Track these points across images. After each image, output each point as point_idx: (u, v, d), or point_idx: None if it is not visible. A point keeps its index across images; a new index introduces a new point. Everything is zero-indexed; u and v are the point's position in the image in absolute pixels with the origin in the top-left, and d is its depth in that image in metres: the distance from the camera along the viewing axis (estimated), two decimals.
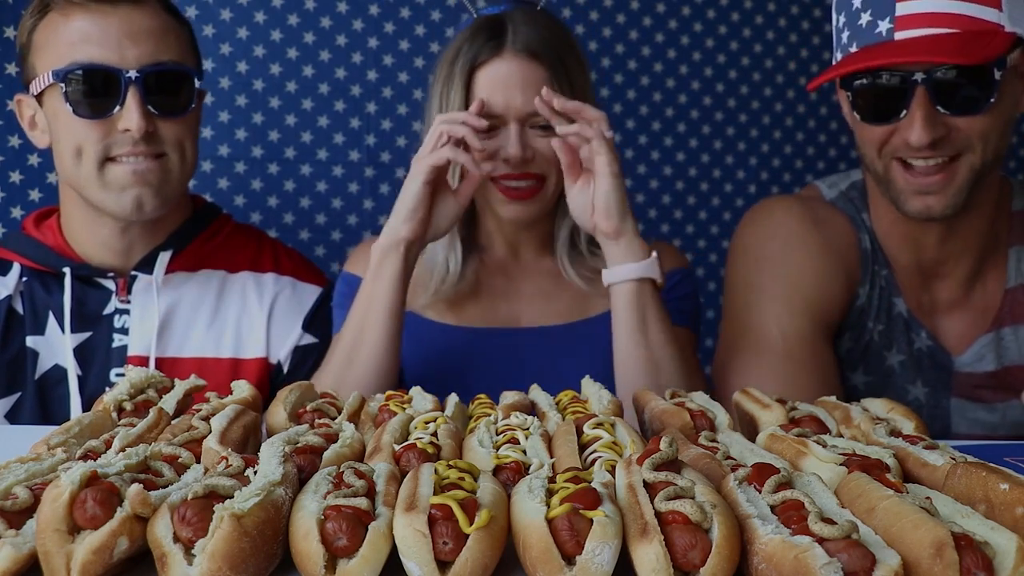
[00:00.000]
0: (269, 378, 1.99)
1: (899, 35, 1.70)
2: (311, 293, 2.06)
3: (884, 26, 1.72)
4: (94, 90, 1.78)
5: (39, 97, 1.85)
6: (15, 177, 2.45)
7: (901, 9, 1.70)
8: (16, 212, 2.45)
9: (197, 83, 1.89)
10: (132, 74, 1.77)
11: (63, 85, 1.77)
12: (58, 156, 1.87)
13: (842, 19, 1.83)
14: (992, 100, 1.68)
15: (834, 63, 1.86)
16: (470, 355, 1.99)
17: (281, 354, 2.01)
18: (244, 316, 2.00)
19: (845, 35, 1.82)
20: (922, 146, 1.69)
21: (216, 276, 2.01)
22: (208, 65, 2.61)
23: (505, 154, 1.89)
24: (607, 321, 1.97)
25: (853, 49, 1.78)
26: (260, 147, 2.67)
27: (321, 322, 2.04)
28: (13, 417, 1.89)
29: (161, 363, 1.91)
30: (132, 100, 1.77)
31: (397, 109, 2.75)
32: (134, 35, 1.79)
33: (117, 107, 1.78)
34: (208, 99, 2.62)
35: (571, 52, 1.98)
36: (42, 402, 1.89)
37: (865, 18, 1.76)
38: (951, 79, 1.67)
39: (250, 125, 2.66)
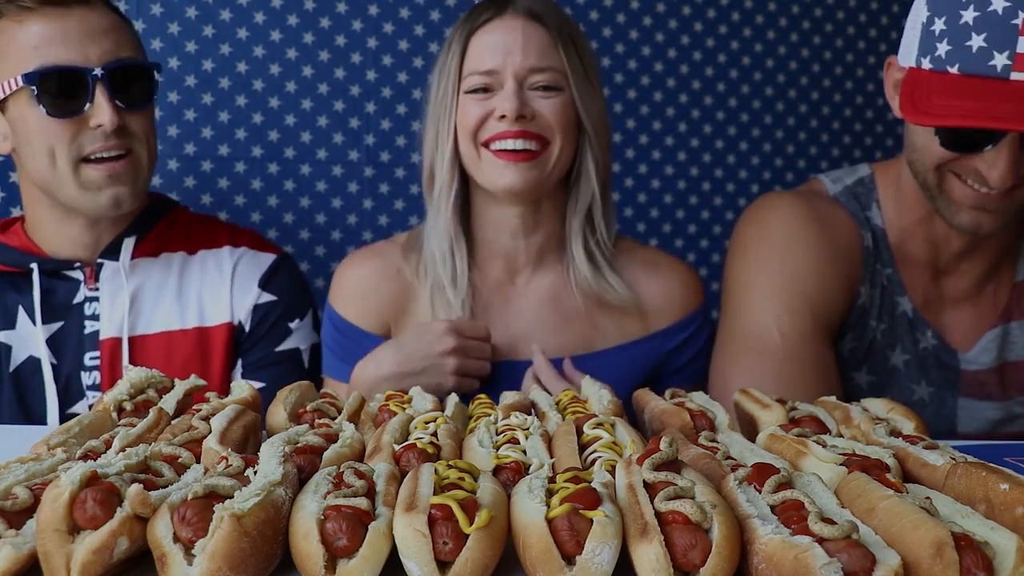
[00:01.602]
0: (233, 338, 2.04)
1: (1016, 76, 1.55)
2: (267, 258, 2.12)
3: (1000, 61, 1.56)
4: (64, 90, 1.82)
5: (2, 103, 1.88)
6: (15, 177, 2.45)
7: None
8: (16, 212, 2.44)
9: (157, 75, 1.95)
10: (98, 71, 1.82)
11: (33, 88, 1.80)
12: (29, 159, 1.89)
13: (940, 24, 1.65)
14: None
15: (917, 66, 1.69)
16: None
17: (241, 314, 2.06)
18: (205, 287, 2.05)
19: (943, 48, 1.64)
20: (1003, 189, 1.65)
21: (176, 257, 2.07)
22: (208, 65, 2.61)
23: (500, 110, 1.77)
24: (612, 356, 1.90)
25: (954, 71, 1.61)
26: (260, 147, 2.67)
27: (279, 282, 2.10)
28: None
29: (131, 342, 1.97)
30: (101, 96, 1.82)
31: (396, 109, 2.75)
32: (92, 34, 1.84)
33: (87, 104, 1.82)
34: (208, 99, 2.62)
35: (576, 28, 1.90)
36: (19, 394, 1.94)
37: (977, 41, 1.59)
38: None
39: (250, 125, 2.66)
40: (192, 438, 1.17)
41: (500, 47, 1.79)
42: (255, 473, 0.97)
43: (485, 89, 1.80)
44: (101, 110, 1.81)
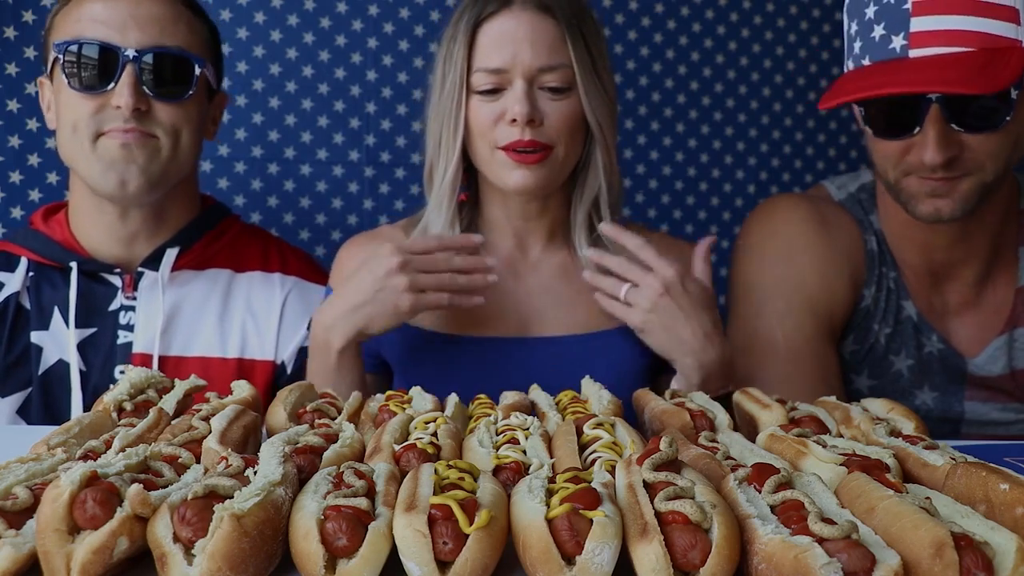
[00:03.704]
0: (274, 378, 1.99)
1: (913, 53, 1.65)
2: (316, 292, 2.06)
3: (898, 42, 1.67)
4: (91, 64, 1.81)
5: (51, 76, 1.90)
6: (15, 177, 2.45)
7: (916, 25, 1.65)
8: (16, 212, 2.45)
9: (198, 69, 1.88)
10: (130, 53, 1.80)
11: (62, 57, 1.81)
12: (59, 133, 1.90)
13: (855, 27, 1.78)
14: (1008, 118, 1.65)
15: (846, 71, 1.82)
16: (473, 370, 1.85)
17: (286, 354, 2.00)
18: (250, 317, 1.99)
19: (858, 45, 1.77)
20: (936, 166, 1.66)
21: (223, 275, 2.01)
22: None
23: (511, 114, 1.73)
24: (628, 333, 1.85)
25: (866, 62, 1.74)
26: (260, 147, 2.67)
27: None
28: (22, 413, 1.90)
29: (165, 361, 1.91)
30: (126, 77, 1.79)
31: (396, 109, 2.75)
32: (140, 19, 1.82)
33: (112, 84, 1.80)
34: None
35: (586, 13, 1.85)
36: (46, 398, 1.89)
37: (879, 31, 1.71)
38: (967, 98, 1.63)
39: (250, 125, 2.66)
40: (192, 438, 1.17)
41: (509, 43, 1.74)
42: (255, 473, 0.97)
43: (494, 90, 1.77)
44: (123, 90, 1.79)
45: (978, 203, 1.75)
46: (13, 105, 2.42)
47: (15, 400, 1.89)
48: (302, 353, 1.99)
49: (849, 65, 1.81)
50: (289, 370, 2.00)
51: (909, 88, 1.63)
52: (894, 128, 1.72)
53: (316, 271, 2.14)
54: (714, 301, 1.76)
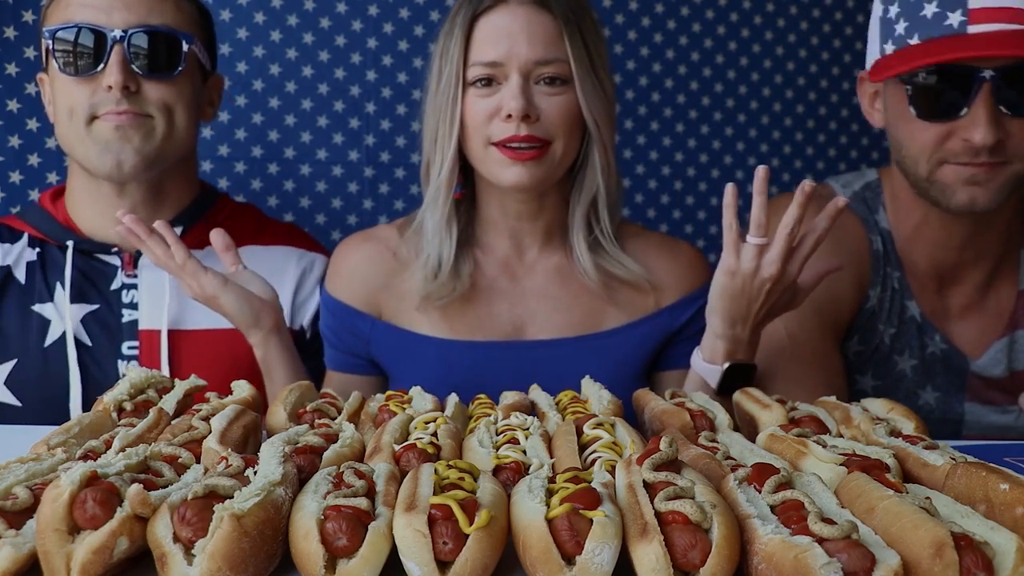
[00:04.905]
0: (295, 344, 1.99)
1: (973, 29, 1.63)
2: (320, 261, 2.10)
3: (956, 19, 1.65)
4: (80, 48, 1.84)
5: (46, 67, 1.93)
6: (15, 177, 2.45)
7: (975, 2, 1.64)
8: (16, 212, 2.45)
9: (186, 46, 1.90)
10: (117, 33, 1.82)
11: (52, 44, 1.84)
12: (57, 121, 1.93)
13: (894, 9, 1.75)
14: None
15: (881, 55, 1.78)
16: (468, 374, 1.83)
17: (305, 320, 2.05)
18: None
19: (901, 26, 1.72)
20: (986, 146, 1.64)
21: None
22: None
23: (506, 109, 1.71)
24: (623, 335, 1.88)
25: (914, 41, 1.70)
26: (260, 147, 2.67)
27: None
28: (13, 384, 1.92)
29: (175, 336, 1.93)
30: (114, 58, 1.82)
31: (396, 109, 2.75)
32: (126, 0, 1.85)
33: (101, 65, 1.83)
34: None
35: (586, 11, 1.83)
36: (46, 370, 1.91)
37: (930, 8, 1.68)
38: (1018, 79, 1.62)
39: (250, 125, 2.66)
40: (192, 438, 1.17)
41: (505, 37, 1.73)
42: (255, 473, 0.97)
43: (489, 82, 1.75)
44: (112, 70, 1.81)
45: (1008, 197, 1.74)
46: (13, 105, 2.42)
47: (1, 371, 1.91)
48: (318, 318, 2.03)
49: (887, 48, 1.77)
50: (308, 335, 2.04)
51: (975, 52, 1.60)
52: (941, 109, 1.69)
53: (312, 242, 2.19)
54: (782, 312, 1.72)
